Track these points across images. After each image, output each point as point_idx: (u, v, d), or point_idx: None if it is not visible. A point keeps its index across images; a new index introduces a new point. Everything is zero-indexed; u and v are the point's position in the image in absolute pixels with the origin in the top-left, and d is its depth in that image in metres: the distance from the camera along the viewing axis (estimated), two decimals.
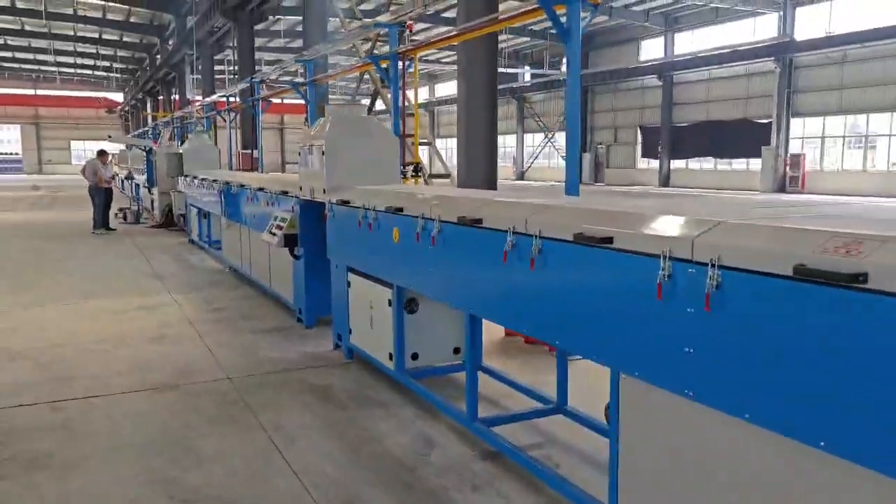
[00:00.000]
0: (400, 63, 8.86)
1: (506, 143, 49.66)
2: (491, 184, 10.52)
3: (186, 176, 14.27)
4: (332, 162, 6.36)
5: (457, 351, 5.45)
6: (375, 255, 5.39)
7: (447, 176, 11.61)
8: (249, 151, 23.43)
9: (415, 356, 5.29)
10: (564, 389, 4.56)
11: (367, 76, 14.97)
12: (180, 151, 15.03)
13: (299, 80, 16.81)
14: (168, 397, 5.28)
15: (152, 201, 19.52)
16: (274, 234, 7.32)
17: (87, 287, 9.71)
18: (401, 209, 4.87)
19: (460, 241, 4.11)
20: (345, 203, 5.87)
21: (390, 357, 5.26)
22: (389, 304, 5.23)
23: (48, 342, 6.84)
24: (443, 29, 25.55)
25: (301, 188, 7.03)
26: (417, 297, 5.24)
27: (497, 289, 3.82)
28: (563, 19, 5.89)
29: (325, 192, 6.38)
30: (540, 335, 3.66)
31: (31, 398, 5.24)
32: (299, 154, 7.01)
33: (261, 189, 8.55)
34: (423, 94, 52.03)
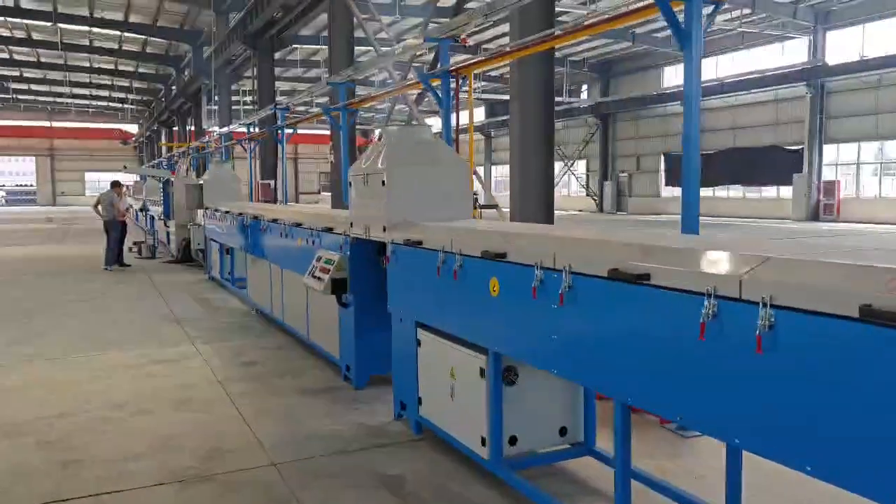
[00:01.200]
0: (453, 82, 7.87)
1: None
2: (548, 217, 9.46)
3: (207, 208, 13.29)
4: (394, 194, 5.31)
5: (563, 432, 4.32)
6: (461, 310, 4.30)
7: (494, 206, 10.60)
8: (269, 182, 22.58)
9: (513, 440, 4.16)
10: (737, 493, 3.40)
11: (397, 101, 14.01)
12: (200, 182, 14.08)
13: (314, 109, 15.94)
14: (200, 494, 4.16)
15: (168, 234, 18.58)
16: (319, 279, 6.24)
17: (99, 334, 8.65)
18: (503, 255, 3.78)
19: (614, 302, 3.01)
20: (415, 244, 4.80)
21: (483, 442, 4.13)
22: (482, 374, 4.12)
23: (55, 409, 5.75)
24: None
25: (351, 225, 5.98)
26: (516, 365, 4.13)
27: (666, 366, 2.74)
28: (681, 18, 4.86)
29: (385, 230, 5.32)
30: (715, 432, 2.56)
31: (27, 498, 4.14)
32: (350, 184, 5.97)
33: (298, 225, 7.50)
34: (479, 115, 50.39)
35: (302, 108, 32.09)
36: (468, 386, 4.28)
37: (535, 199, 9.40)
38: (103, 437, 5.12)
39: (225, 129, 21.79)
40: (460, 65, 7.93)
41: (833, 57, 30.32)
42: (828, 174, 31.64)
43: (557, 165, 48.17)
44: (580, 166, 46.75)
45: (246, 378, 6.68)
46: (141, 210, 23.71)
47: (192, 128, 38.41)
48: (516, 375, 4.14)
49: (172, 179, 17.22)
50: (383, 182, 5.32)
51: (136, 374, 6.82)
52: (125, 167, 18.96)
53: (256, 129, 18.97)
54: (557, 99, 44.03)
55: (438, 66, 8.28)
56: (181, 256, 16.55)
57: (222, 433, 5.16)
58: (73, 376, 6.79)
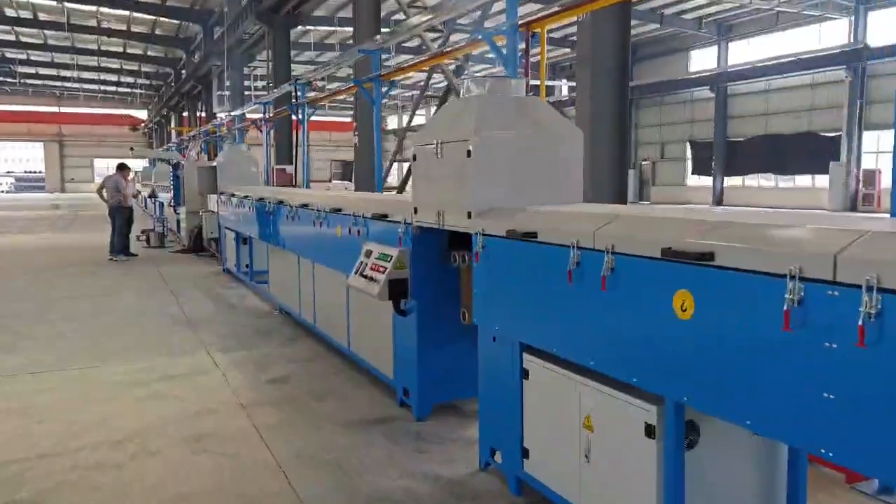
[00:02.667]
0: (521, 40, 6.49)
1: None
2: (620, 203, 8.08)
3: (221, 193, 11.95)
4: (485, 169, 3.95)
5: None
6: (610, 336, 2.94)
7: None
8: (285, 167, 21.22)
9: None
10: None
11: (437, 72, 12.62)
12: (213, 165, 12.75)
13: (332, 86, 14.53)
14: None
15: (178, 222, 17.30)
16: (371, 280, 4.89)
17: (99, 341, 7.34)
18: (707, 256, 2.42)
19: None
20: (523, 237, 3.43)
21: None
22: (650, 432, 2.76)
23: (32, 448, 4.44)
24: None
25: (415, 211, 4.62)
26: (697, 418, 2.78)
27: None
28: None
29: (470, 216, 3.97)
30: None
31: None
32: (414, 159, 4.61)
33: (337, 211, 6.15)
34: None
35: (320, 85, 30.72)
36: (621, 446, 2.93)
37: (608, 184, 8.03)
38: (93, 496, 3.80)
39: (238, 111, 20.40)
40: (531, 18, 6.54)
41: (875, 38, 28.74)
42: (867, 163, 30.10)
43: None
44: None
45: (276, 401, 5.35)
46: (150, 196, 22.45)
47: (203, 113, 37.09)
48: (697, 434, 2.79)
49: (183, 163, 15.91)
50: (469, 153, 3.96)
51: (141, 396, 5.51)
52: (132, 149, 17.66)
53: (271, 112, 17.65)
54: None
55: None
56: (192, 245, 15.26)
57: (253, 493, 3.83)
58: (63, 398, 5.48)
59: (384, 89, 10.25)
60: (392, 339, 5.24)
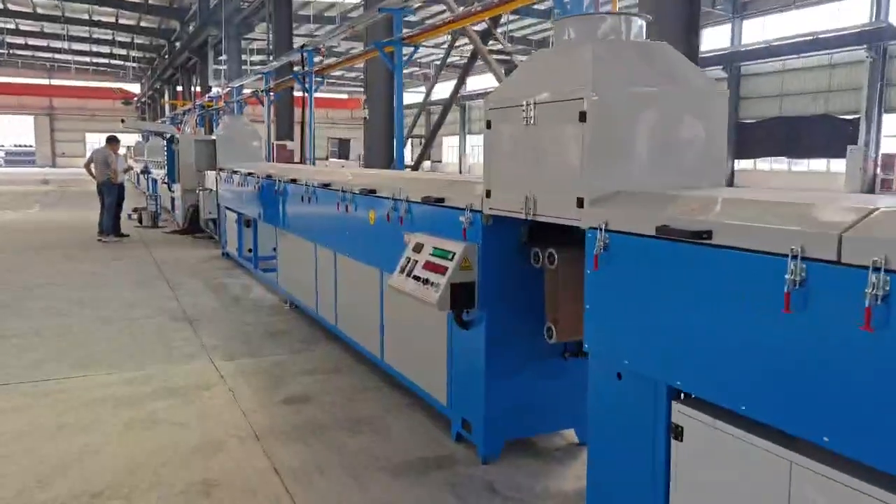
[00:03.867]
0: None
1: None
2: None
3: (221, 170, 10.79)
4: (605, 138, 2.86)
5: None
6: (870, 403, 1.87)
7: None
8: (286, 143, 20.05)
9: None
10: None
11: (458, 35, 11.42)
12: (212, 139, 11.59)
13: (329, 60, 13.26)
14: None
15: (173, 200, 16.14)
16: (427, 283, 3.79)
17: (81, 342, 6.25)
18: None
19: None
20: (694, 237, 2.34)
21: None
22: None
23: None
24: None
25: (488, 194, 3.54)
26: None
27: None
28: None
29: (581, 203, 2.88)
30: None
31: None
32: (488, 126, 3.50)
33: (369, 192, 5.04)
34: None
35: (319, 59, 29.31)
36: None
37: None
38: None
39: (236, 83, 19.16)
40: None
41: None
42: (886, 147, 29.10)
43: None
44: None
45: (298, 431, 4.27)
46: (142, 172, 21.26)
47: (198, 87, 35.68)
48: None
49: (178, 136, 14.71)
50: (583, 116, 2.86)
51: (130, 421, 4.42)
52: (123, 121, 16.47)
53: (272, 84, 16.44)
54: None
55: None
56: (188, 226, 14.13)
57: None
58: (31, 423, 4.39)
59: (406, 56, 9.12)
60: (446, 357, 4.17)
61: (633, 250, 2.62)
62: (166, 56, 44.83)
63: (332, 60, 13.46)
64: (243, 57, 33.74)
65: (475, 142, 51.02)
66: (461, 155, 50.87)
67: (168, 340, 6.30)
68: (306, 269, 6.76)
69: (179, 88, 44.28)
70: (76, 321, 6.94)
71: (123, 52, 51.61)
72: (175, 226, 15.16)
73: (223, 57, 27.89)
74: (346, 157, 43.60)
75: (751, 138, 34.14)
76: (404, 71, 9.23)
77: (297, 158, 17.98)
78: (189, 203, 14.14)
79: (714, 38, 36.11)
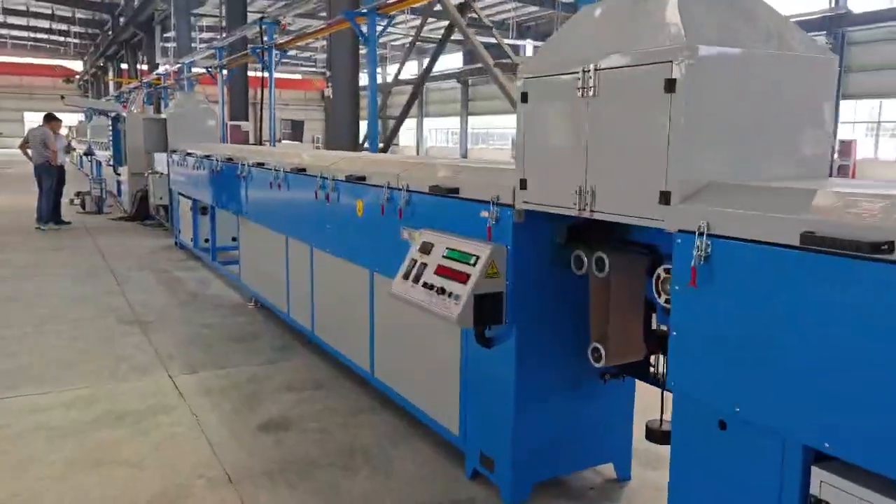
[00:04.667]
0: None
1: (507, 124, 45.87)
2: None
3: (173, 152, 9.85)
4: (699, 114, 2.20)
5: None
6: None
7: None
8: (240, 124, 18.98)
9: None
10: None
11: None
12: (163, 118, 10.61)
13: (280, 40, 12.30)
14: None
15: (119, 184, 15.04)
16: (443, 293, 3.08)
17: (8, 352, 5.37)
18: None
19: None
20: (874, 250, 1.69)
21: None
22: None
23: None
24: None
25: (523, 184, 2.85)
26: None
27: None
28: None
29: (668, 199, 2.21)
30: None
31: None
32: (523, 100, 2.81)
33: (358, 179, 4.29)
34: (412, 68, 48.26)
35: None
36: None
37: None
38: None
39: (187, 59, 17.99)
40: None
41: (857, 4, 27.77)
42: (843, 133, 29.34)
43: None
44: None
45: (281, 471, 3.53)
46: (85, 154, 19.94)
47: (144, 66, 33.98)
48: None
49: (124, 115, 13.62)
50: (671, 85, 2.18)
51: (70, 460, 3.62)
52: (63, 98, 15.23)
53: (225, 60, 15.41)
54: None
55: None
56: (136, 212, 13.10)
57: None
58: None
59: (380, 27, 8.33)
60: (458, 377, 3.48)
61: (758, 264, 1.96)
62: (110, 32, 42.75)
63: (293, 35, 12.53)
64: (192, 34, 32.20)
65: (431, 125, 50.28)
66: (419, 138, 50.00)
67: (116, 348, 5.46)
68: (276, 265, 5.98)
69: (124, 66, 42.35)
70: (4, 324, 6.04)
71: (64, 27, 49.15)
72: (121, 212, 14.10)
73: (171, 34, 26.45)
74: (300, 140, 42.34)
75: None
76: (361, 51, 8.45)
77: (251, 140, 17.00)
78: (137, 187, 13.10)
79: None
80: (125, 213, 13.68)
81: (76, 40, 54.20)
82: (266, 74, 11.21)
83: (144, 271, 8.46)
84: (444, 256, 3.22)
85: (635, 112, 2.33)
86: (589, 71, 2.48)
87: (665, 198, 2.23)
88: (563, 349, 3.17)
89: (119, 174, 14.91)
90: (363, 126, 12.17)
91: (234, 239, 9.00)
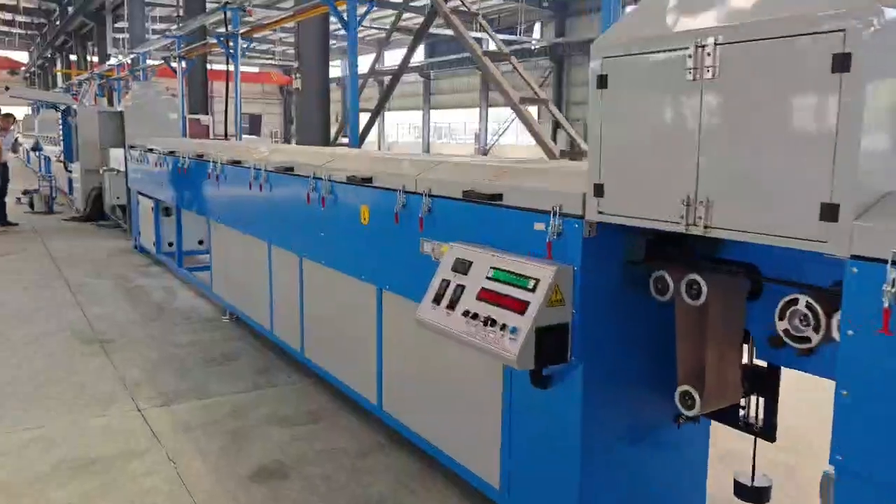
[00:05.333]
0: None
1: (467, 117, 45.33)
2: None
3: (132, 147, 9.04)
4: (880, 105, 1.65)
5: None
6: None
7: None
8: (199, 118, 18.08)
9: None
10: None
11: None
12: (119, 110, 9.79)
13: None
14: None
15: (71, 182, 14.08)
16: (493, 325, 2.49)
17: None
18: None
19: None
20: None
21: None
22: None
23: None
24: None
25: (598, 191, 2.29)
26: None
27: None
28: None
29: (837, 216, 1.66)
30: None
31: None
32: (601, 85, 2.24)
33: (364, 181, 3.67)
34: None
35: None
36: None
37: None
38: None
39: (141, 49, 17.00)
40: None
41: None
42: None
43: (503, 112, 44.69)
44: (531, 113, 43.25)
45: None
46: (33, 149, 18.80)
47: (95, 57, 32.52)
48: None
49: (75, 108, 12.68)
50: (843, 62, 1.63)
51: None
52: (7, 89, 14.19)
53: (184, 50, 14.52)
54: (509, 37, 40.52)
55: None
56: (90, 212, 12.21)
57: None
58: None
59: (362, 10, 7.69)
60: (500, 420, 2.90)
61: None
62: (57, 21, 40.99)
63: (259, 21, 11.75)
64: (147, 24, 30.88)
65: (393, 119, 49.46)
66: (380, 134, 49.16)
67: (74, 372, 4.76)
68: (255, 275, 5.32)
69: (73, 58, 40.67)
70: None
71: (8, 16, 47.05)
72: (74, 212, 13.17)
73: (124, 24, 25.21)
74: (258, 134, 41.23)
75: None
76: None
77: (211, 135, 16.15)
78: (91, 185, 12.21)
79: None
80: (78, 212, 12.76)
81: (21, 31, 51.98)
82: (230, 66, 10.42)
83: (102, 279, 7.68)
84: (488, 278, 2.64)
85: (781, 99, 1.78)
86: (706, 45, 1.93)
87: (830, 212, 1.69)
88: (635, 389, 2.63)
89: (70, 171, 13.97)
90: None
91: (200, 242, 8.30)
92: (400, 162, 3.74)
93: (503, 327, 2.46)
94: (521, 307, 2.45)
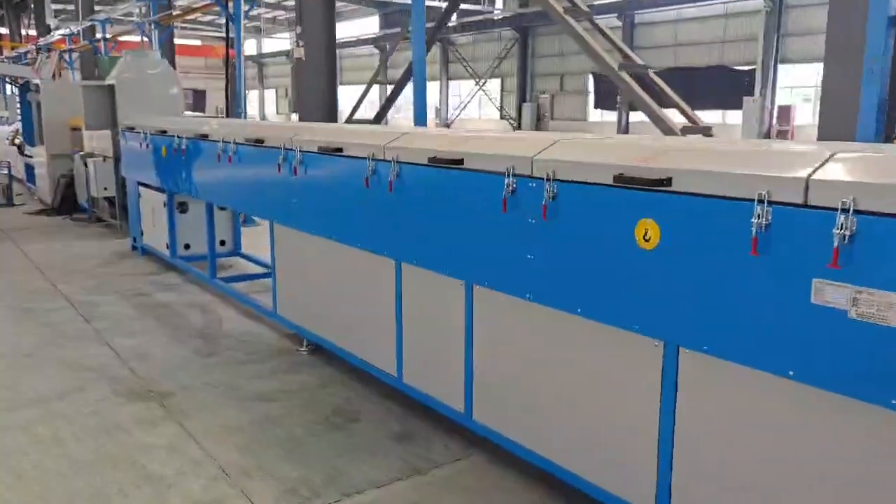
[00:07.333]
0: None
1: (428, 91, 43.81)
2: None
3: (131, 129, 7.42)
4: None
5: None
6: None
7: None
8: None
9: None
10: None
11: None
12: (109, 84, 8.13)
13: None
14: None
15: (31, 168, 12.27)
16: None
17: None
18: None
19: None
20: None
21: None
22: None
23: None
24: None
25: None
26: None
27: None
28: None
29: None
30: None
31: None
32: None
33: (665, 182, 2.38)
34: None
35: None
36: None
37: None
38: None
39: (103, 15, 15.04)
40: None
41: None
42: (782, 98, 29.30)
43: (466, 85, 43.26)
44: (493, 86, 41.92)
45: None
46: None
47: (31, 31, 29.78)
48: None
49: (38, 82, 10.87)
50: None
51: None
52: None
53: (157, 16, 12.76)
54: (470, 7, 39.02)
55: None
56: (59, 205, 10.50)
57: None
58: None
59: None
60: None
61: None
62: None
63: None
64: None
65: (347, 93, 47.47)
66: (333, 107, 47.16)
67: (139, 454, 3.34)
68: (367, 302, 3.96)
69: (3, 30, 37.49)
70: None
71: None
72: (39, 203, 11.39)
73: None
74: (203, 111, 38.94)
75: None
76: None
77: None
78: (60, 173, 10.51)
79: None
80: (45, 205, 11.01)
81: None
82: (237, 22, 8.83)
83: (112, 295, 6.16)
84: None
85: None
86: None
87: None
88: None
89: (30, 156, 12.13)
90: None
91: (222, 243, 6.93)
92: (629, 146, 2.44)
93: None
94: None
